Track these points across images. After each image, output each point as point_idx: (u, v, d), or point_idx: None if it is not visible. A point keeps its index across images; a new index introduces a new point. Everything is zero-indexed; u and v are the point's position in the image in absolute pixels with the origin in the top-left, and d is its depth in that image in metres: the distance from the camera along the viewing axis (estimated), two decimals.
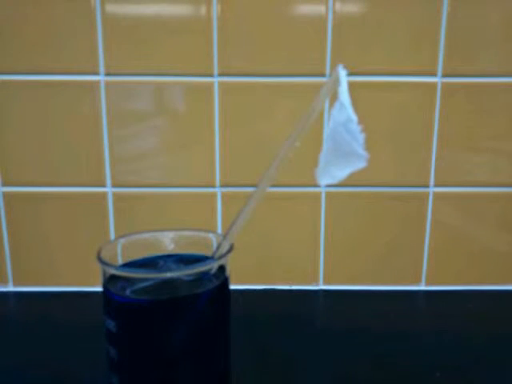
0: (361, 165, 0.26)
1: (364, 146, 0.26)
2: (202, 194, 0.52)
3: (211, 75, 0.50)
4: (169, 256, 0.34)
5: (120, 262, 0.33)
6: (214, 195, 0.52)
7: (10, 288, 0.54)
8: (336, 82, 0.27)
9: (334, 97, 0.27)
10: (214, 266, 0.31)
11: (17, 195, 0.52)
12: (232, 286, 0.33)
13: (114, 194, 0.52)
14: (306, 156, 0.44)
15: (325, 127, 0.50)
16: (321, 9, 0.48)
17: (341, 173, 0.27)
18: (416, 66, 0.50)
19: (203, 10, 0.48)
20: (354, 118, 0.26)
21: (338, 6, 0.48)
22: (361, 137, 0.26)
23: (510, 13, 0.49)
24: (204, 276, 0.31)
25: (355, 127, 0.26)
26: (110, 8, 0.48)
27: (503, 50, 0.50)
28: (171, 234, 0.35)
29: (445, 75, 0.50)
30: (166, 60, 0.49)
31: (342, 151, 0.26)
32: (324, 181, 0.27)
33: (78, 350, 0.42)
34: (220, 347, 0.32)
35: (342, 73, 0.27)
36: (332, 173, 0.27)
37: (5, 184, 0.52)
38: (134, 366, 0.30)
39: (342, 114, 0.26)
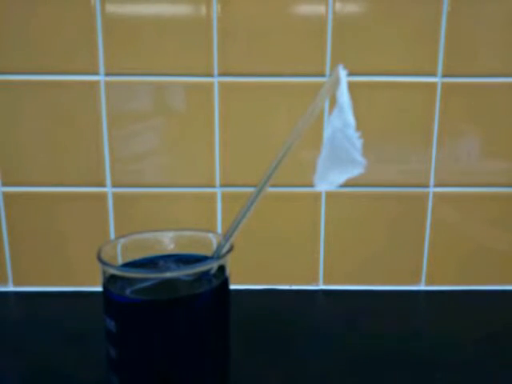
0: (358, 171, 0.26)
1: (361, 151, 0.25)
2: (202, 193, 0.52)
3: (211, 75, 0.50)
4: (169, 256, 0.34)
5: (120, 262, 0.33)
6: (213, 195, 0.52)
7: (10, 288, 0.54)
8: (336, 82, 0.26)
9: (335, 98, 0.27)
10: (213, 266, 0.31)
11: (17, 195, 0.52)
12: (232, 286, 0.33)
13: (114, 194, 0.52)
14: (305, 156, 0.44)
15: (325, 128, 0.50)
16: (321, 9, 0.48)
17: (339, 179, 0.27)
18: (416, 66, 0.50)
19: (203, 9, 0.48)
20: (352, 122, 0.25)
21: (338, 6, 0.48)
22: (358, 142, 0.25)
23: (510, 13, 0.49)
24: (204, 276, 0.31)
25: (353, 133, 0.25)
26: (110, 8, 0.48)
27: (503, 49, 0.50)
28: (171, 234, 0.35)
29: (445, 75, 0.50)
30: (166, 60, 0.49)
31: (340, 157, 0.26)
32: (322, 187, 0.27)
33: (78, 350, 0.42)
34: (220, 347, 0.32)
35: (342, 73, 0.26)
36: (330, 179, 0.27)
37: (5, 184, 0.52)
38: (133, 365, 0.30)
39: (341, 119, 0.26)
